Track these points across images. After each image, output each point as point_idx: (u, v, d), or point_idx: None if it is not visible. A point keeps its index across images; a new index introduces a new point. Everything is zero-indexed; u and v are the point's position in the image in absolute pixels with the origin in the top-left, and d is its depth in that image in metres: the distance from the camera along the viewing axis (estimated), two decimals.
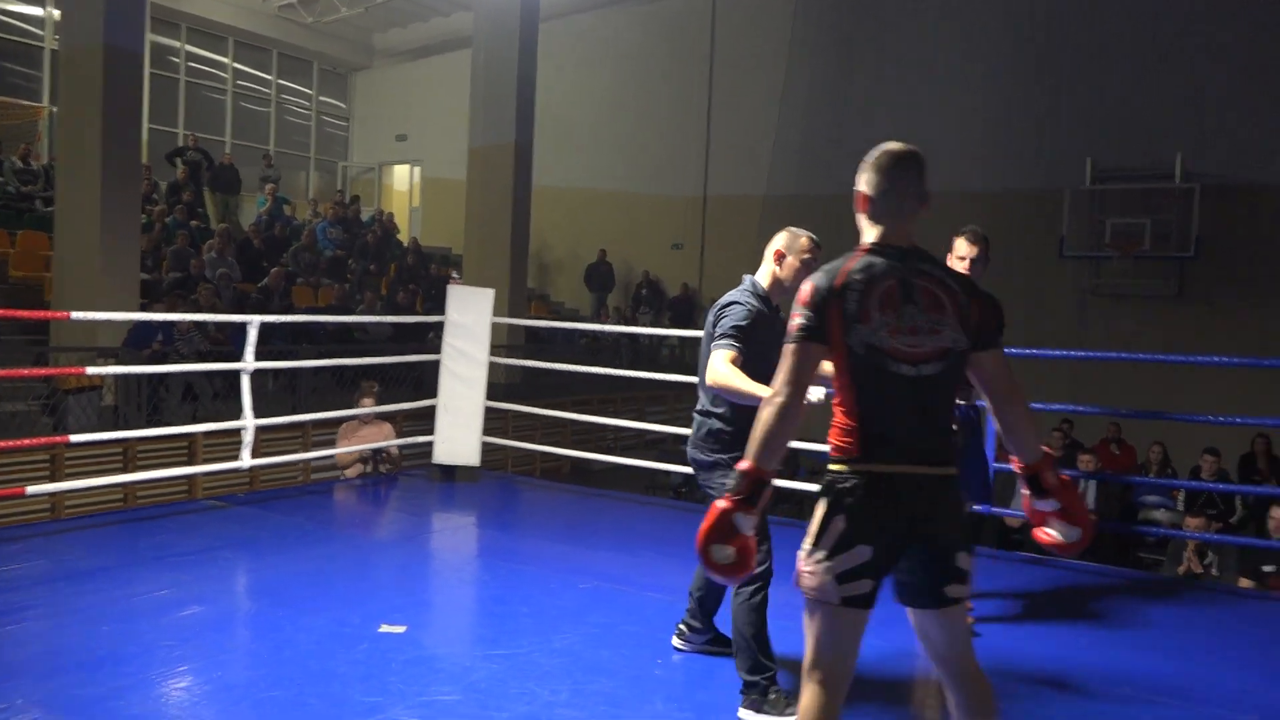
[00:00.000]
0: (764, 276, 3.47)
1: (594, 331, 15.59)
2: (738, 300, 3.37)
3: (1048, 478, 2.34)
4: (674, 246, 18.15)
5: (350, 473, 6.87)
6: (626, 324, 16.07)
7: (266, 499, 6.20)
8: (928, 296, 2.24)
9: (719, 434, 3.35)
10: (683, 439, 12.39)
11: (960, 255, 4.08)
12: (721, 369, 3.17)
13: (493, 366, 7.17)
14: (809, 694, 2.24)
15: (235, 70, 19.15)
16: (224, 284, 11.02)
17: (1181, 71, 13.70)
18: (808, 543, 2.25)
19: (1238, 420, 5.62)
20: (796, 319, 2.26)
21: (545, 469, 11.94)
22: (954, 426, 2.30)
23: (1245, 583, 6.29)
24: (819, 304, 2.24)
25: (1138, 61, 13.99)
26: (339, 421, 7.19)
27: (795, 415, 2.25)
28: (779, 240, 3.48)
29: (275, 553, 4.87)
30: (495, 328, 7.05)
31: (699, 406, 3.44)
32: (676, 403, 15.08)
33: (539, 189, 14.62)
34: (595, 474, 11.71)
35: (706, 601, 3.61)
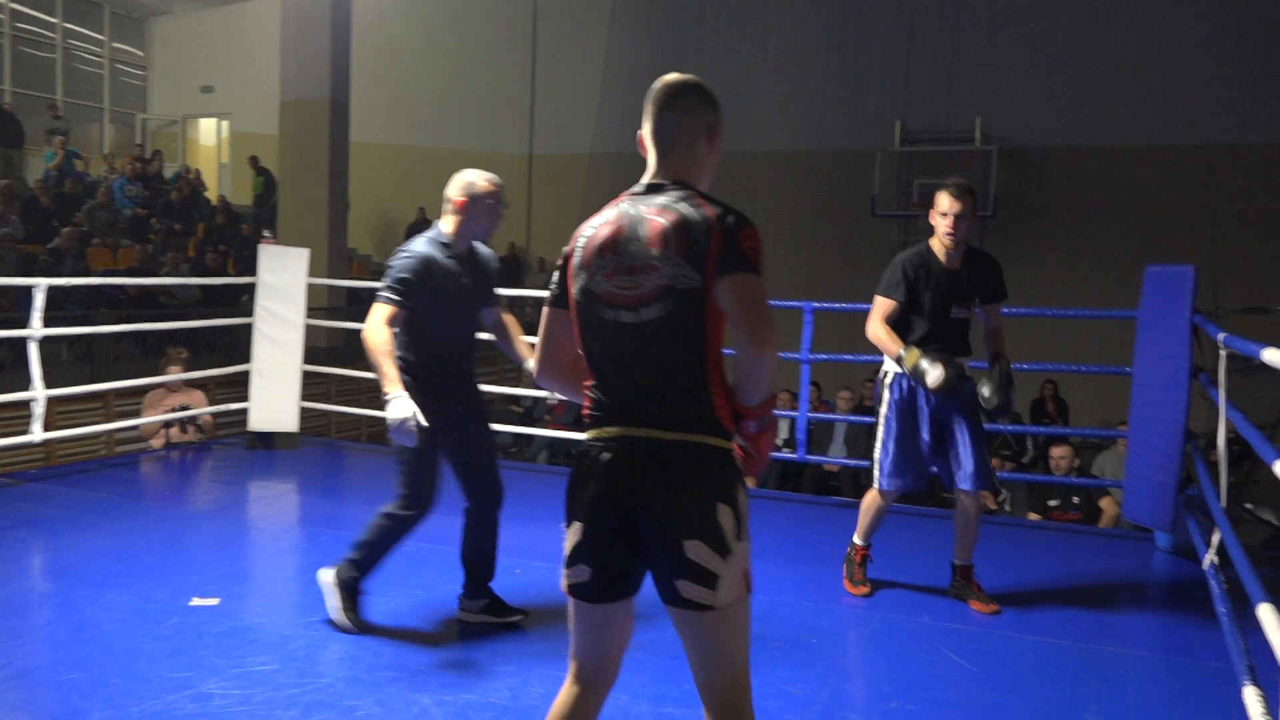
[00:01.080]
0: (448, 224, 3.36)
1: None
2: (409, 251, 3.30)
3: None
4: None
5: (156, 443, 6.52)
6: None
7: (64, 474, 5.80)
8: (654, 229, 1.88)
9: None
10: (511, 399, 12.29)
11: (943, 211, 3.73)
12: (373, 327, 3.18)
13: (314, 329, 6.93)
14: (565, 682, 2.03)
15: (12, 11, 17.52)
16: (6, 245, 10.16)
17: (980, 38, 14.51)
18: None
19: (1026, 366, 6.06)
20: (553, 285, 2.05)
21: (371, 434, 11.65)
22: (686, 383, 1.88)
23: (1033, 516, 6.82)
24: (562, 261, 2.03)
25: (941, 28, 14.70)
26: (144, 390, 6.79)
27: (551, 381, 2.08)
28: (458, 186, 3.34)
29: (74, 530, 4.58)
30: (313, 289, 6.80)
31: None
32: (505, 363, 15.01)
33: (359, 145, 14.11)
34: None
35: (480, 568, 3.56)
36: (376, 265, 17.50)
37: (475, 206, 3.33)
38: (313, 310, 6.82)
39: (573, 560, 1.94)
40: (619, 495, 1.87)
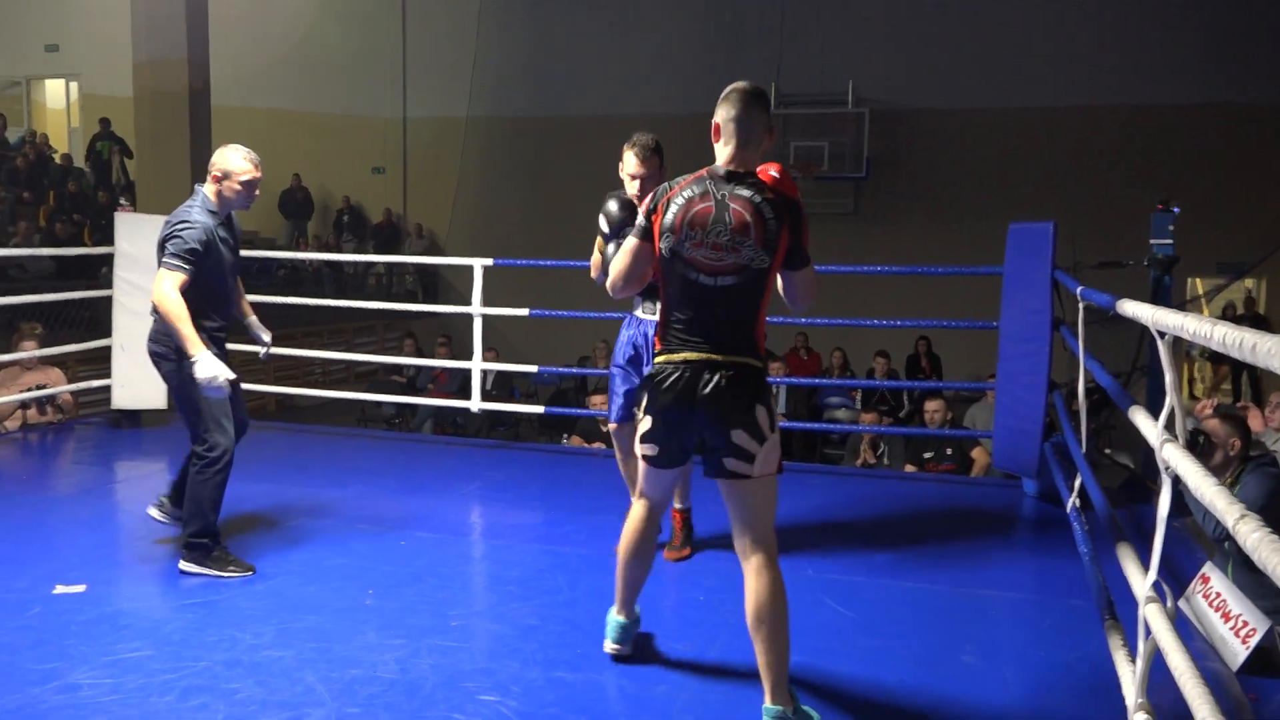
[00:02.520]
0: (211, 193, 3.66)
1: (292, 261, 14.78)
2: (192, 221, 3.54)
3: None
4: (375, 171, 17.45)
5: (11, 424, 6.15)
6: (329, 253, 15.34)
7: None
8: (739, 219, 2.51)
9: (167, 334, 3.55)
10: (393, 369, 12.05)
11: (631, 174, 3.58)
12: (171, 296, 3.43)
13: None
14: (635, 506, 2.84)
15: None
16: None
17: (852, 1, 14.76)
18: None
19: (899, 323, 6.25)
20: (639, 220, 2.67)
21: (248, 408, 11.28)
22: (743, 327, 2.58)
23: (910, 468, 7.07)
24: (649, 211, 2.63)
25: None
26: None
27: (625, 293, 2.78)
28: (222, 160, 3.63)
29: None
30: None
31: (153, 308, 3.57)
32: (386, 332, 14.68)
33: (224, 108, 13.51)
34: (303, 410, 11.23)
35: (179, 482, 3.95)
36: (246, 234, 16.81)
37: (227, 184, 3.64)
38: None
39: (645, 439, 2.69)
40: (686, 400, 2.56)
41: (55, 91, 19.19)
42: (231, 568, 3.60)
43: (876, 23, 14.71)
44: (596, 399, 7.69)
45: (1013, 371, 4.94)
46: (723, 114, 2.60)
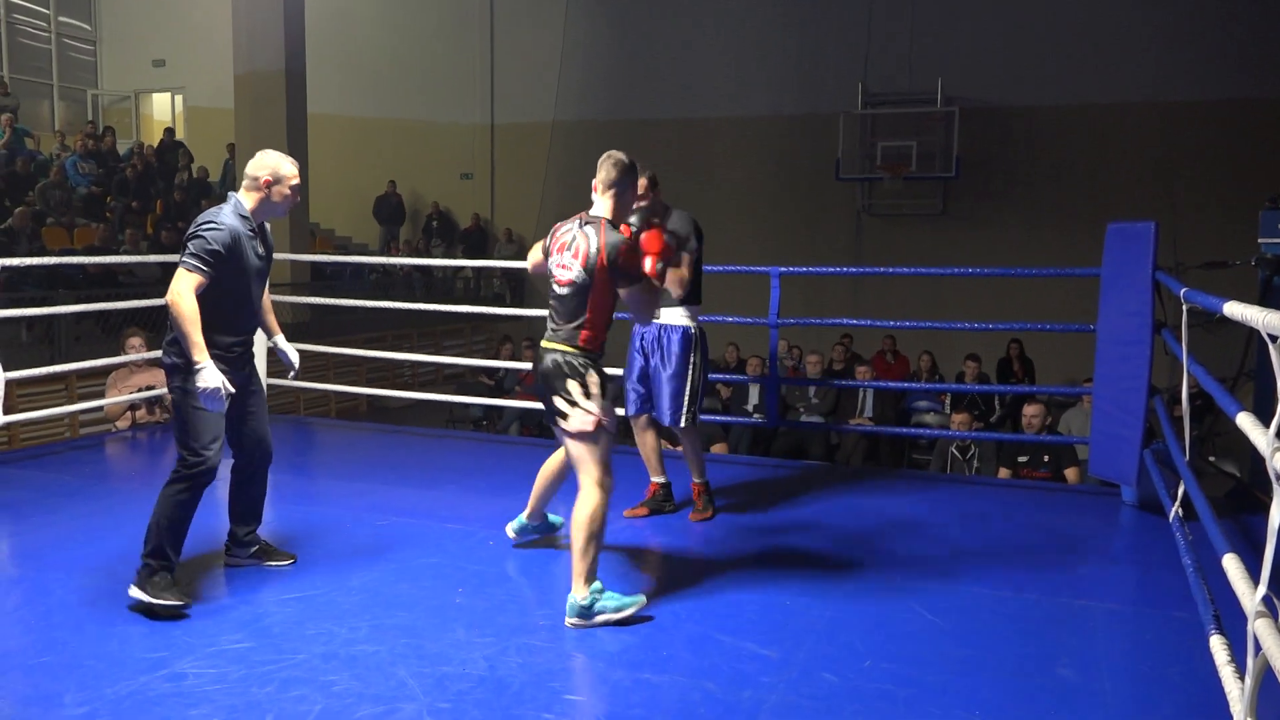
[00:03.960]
0: (249, 199, 3.49)
1: (384, 265, 15.13)
2: (218, 222, 3.37)
3: None
4: (463, 176, 17.74)
5: (121, 424, 6.42)
6: (418, 257, 15.65)
7: (28, 457, 5.72)
8: (576, 250, 3.40)
9: (177, 341, 3.34)
10: (481, 371, 12.27)
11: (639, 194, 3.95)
12: (185, 296, 3.26)
13: (279, 306, 6.81)
14: (557, 452, 3.86)
15: None
16: None
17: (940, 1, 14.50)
18: None
19: (991, 326, 6.12)
20: (545, 240, 3.62)
21: (341, 409, 11.60)
22: (575, 326, 3.40)
23: (1004, 473, 6.90)
24: (548, 238, 3.59)
25: None
26: (107, 370, 6.68)
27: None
28: (269, 165, 3.49)
29: (40, 513, 4.51)
30: (276, 264, 6.69)
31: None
32: (474, 335, 14.93)
33: (318, 117, 13.89)
34: (394, 411, 11.48)
35: (251, 517, 3.88)
36: (340, 240, 17.31)
37: (278, 189, 3.49)
38: (276, 286, 6.71)
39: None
40: (536, 374, 3.47)
41: (161, 104, 19.98)
42: (166, 595, 3.27)
43: (966, 18, 14.41)
44: None
45: (1111, 376, 4.80)
46: (600, 175, 3.48)
